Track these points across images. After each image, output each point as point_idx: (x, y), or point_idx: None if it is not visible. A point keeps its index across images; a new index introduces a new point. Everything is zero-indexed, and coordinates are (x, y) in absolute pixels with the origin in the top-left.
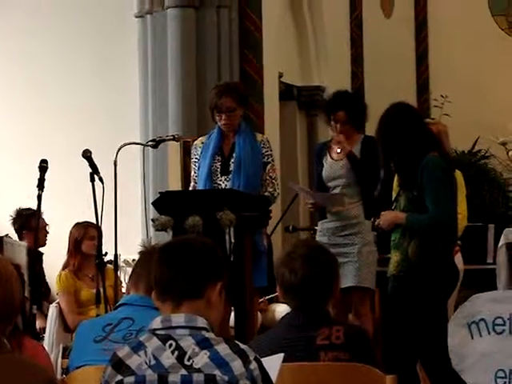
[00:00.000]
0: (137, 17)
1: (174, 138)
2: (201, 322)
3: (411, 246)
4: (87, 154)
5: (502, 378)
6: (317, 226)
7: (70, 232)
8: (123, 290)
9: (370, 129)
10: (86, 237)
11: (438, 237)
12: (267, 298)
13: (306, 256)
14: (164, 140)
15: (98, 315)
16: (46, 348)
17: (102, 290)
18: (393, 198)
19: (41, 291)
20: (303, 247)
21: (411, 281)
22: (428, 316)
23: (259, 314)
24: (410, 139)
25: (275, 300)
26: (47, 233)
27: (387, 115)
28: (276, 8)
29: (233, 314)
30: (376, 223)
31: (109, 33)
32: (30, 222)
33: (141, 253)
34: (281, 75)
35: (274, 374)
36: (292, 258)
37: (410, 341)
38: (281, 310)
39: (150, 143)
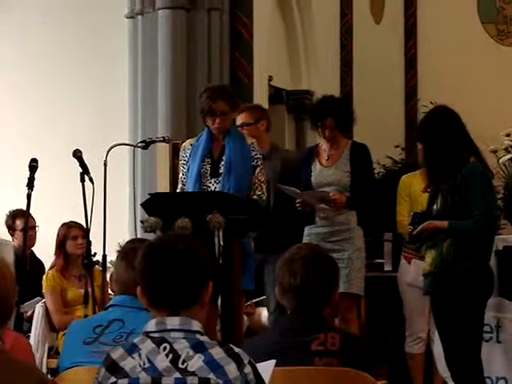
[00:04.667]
0: (127, 17)
1: (164, 140)
2: (195, 325)
3: (446, 244)
4: (77, 154)
5: None
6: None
7: (57, 232)
8: (110, 291)
9: (359, 134)
10: (68, 237)
11: (474, 239)
12: (254, 301)
13: (307, 259)
14: (154, 141)
15: (85, 315)
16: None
17: (89, 290)
18: (427, 201)
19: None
20: (305, 250)
21: (445, 278)
22: (460, 317)
23: (245, 317)
24: (445, 142)
25: (261, 303)
26: (35, 232)
27: (427, 118)
28: (267, 12)
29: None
30: (414, 233)
31: (99, 33)
32: (14, 222)
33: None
34: (270, 79)
35: (266, 380)
36: (293, 260)
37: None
38: (267, 313)
39: (140, 144)
